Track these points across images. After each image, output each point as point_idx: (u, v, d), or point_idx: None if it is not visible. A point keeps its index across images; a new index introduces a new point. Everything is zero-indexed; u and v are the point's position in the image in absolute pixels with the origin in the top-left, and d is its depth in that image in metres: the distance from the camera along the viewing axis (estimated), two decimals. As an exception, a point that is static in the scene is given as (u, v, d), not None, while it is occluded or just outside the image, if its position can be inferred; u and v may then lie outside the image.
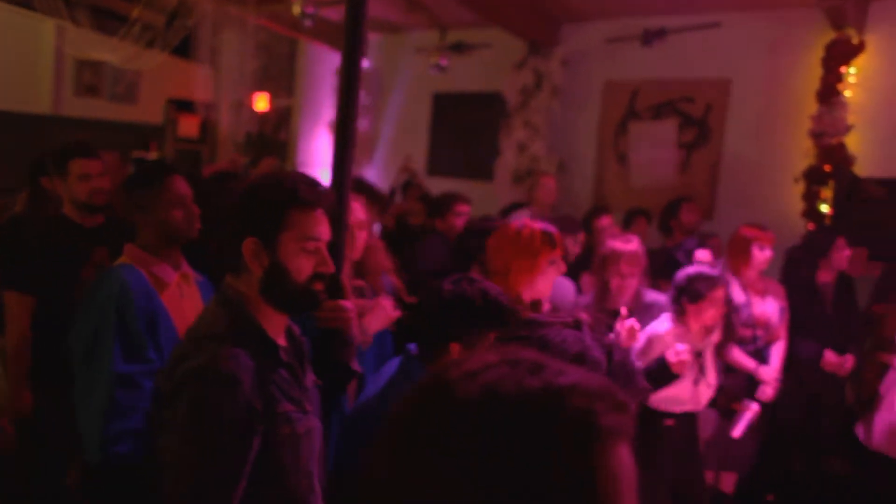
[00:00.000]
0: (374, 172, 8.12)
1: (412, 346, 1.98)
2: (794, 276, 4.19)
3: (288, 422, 1.44)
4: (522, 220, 2.56)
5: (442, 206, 4.08)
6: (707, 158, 5.87)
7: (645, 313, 3.33)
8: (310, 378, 1.67)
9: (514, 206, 4.96)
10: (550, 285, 2.47)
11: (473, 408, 0.61)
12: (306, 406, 1.50)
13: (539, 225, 2.51)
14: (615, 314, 2.72)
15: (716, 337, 3.36)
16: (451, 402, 0.62)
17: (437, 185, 6.82)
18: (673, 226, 4.82)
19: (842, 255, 4.12)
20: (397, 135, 7.89)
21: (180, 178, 2.29)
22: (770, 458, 4.21)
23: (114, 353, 2.02)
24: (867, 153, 5.08)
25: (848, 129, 5.06)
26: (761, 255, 3.76)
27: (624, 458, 0.64)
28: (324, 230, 1.55)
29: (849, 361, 3.91)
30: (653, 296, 3.46)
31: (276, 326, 1.55)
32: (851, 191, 4.92)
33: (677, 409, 3.21)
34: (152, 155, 6.58)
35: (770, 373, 3.78)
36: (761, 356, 3.85)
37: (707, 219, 5.67)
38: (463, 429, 0.60)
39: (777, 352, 3.88)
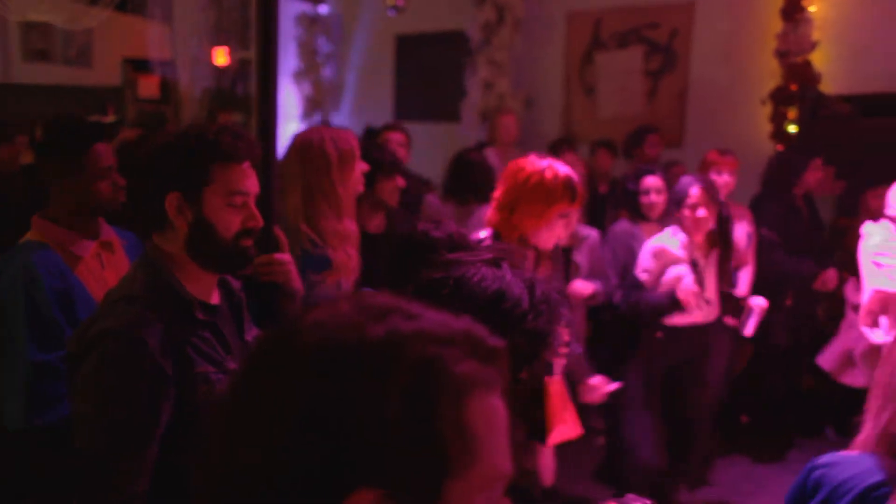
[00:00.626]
0: (342, 119, 7.98)
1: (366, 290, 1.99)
2: (774, 197, 4.17)
3: (206, 382, 1.43)
4: (550, 161, 2.31)
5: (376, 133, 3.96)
6: (674, 85, 5.79)
7: (580, 246, 3.38)
8: (251, 333, 1.65)
9: (480, 146, 4.88)
10: (554, 239, 2.32)
11: (309, 357, 0.57)
12: (228, 365, 1.47)
13: (565, 171, 2.28)
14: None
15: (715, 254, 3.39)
16: (290, 350, 0.59)
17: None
18: (636, 155, 4.78)
19: (816, 175, 4.12)
20: (362, 80, 7.73)
21: (105, 145, 2.18)
22: (745, 380, 4.28)
23: (27, 343, 1.91)
24: (833, 70, 5.02)
25: (813, 45, 4.98)
26: (719, 179, 3.75)
27: (484, 410, 0.59)
28: (251, 184, 1.51)
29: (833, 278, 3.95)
30: (585, 230, 3.51)
31: (206, 285, 1.53)
32: (817, 109, 4.87)
33: (671, 321, 3.28)
34: (110, 118, 6.41)
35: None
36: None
37: (676, 147, 5.63)
38: (296, 378, 0.57)
39: (745, 277, 3.89)
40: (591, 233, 3.61)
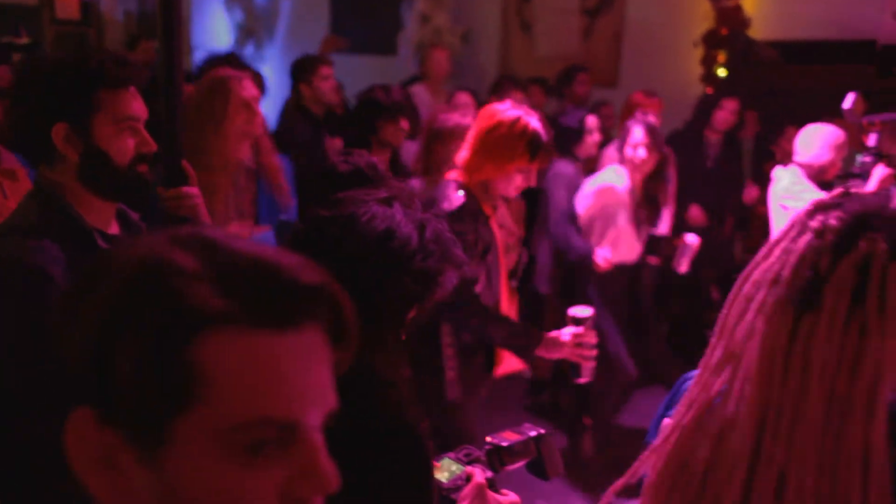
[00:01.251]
0: (276, 50, 7.73)
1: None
2: (682, 136, 4.28)
3: None
4: (522, 113, 2.24)
5: (305, 69, 3.87)
6: (610, 26, 5.78)
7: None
8: None
9: (412, 80, 4.80)
10: (512, 190, 2.29)
11: (85, 273, 0.57)
12: None
13: (534, 127, 2.21)
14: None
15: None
16: (95, 272, 0.57)
17: (340, 63, 6.55)
18: (566, 94, 4.79)
19: (726, 116, 4.22)
20: (297, 9, 7.46)
21: (2, 67, 2.09)
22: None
23: None
24: (763, 15, 5.09)
25: (744, -10, 5.03)
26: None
27: (230, 349, 0.53)
28: (139, 108, 1.48)
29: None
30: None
31: (103, 215, 1.49)
32: (746, 54, 4.95)
33: (615, 258, 3.38)
34: (23, 40, 6.04)
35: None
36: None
37: (611, 86, 5.66)
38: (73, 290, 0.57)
39: (667, 216, 3.99)
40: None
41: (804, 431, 0.85)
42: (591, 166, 3.83)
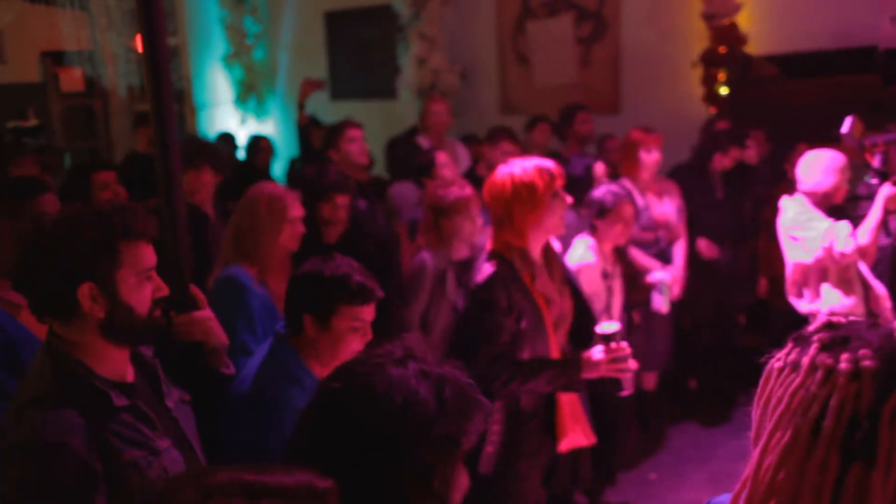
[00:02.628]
0: (278, 101, 7.80)
1: (279, 325, 2.01)
2: (688, 170, 4.24)
3: (136, 469, 1.40)
4: (514, 161, 2.38)
5: (333, 133, 3.90)
6: (606, 51, 5.77)
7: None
8: (174, 396, 1.63)
9: (410, 132, 4.81)
10: (561, 221, 2.36)
11: None
12: (158, 444, 1.45)
13: (531, 162, 2.35)
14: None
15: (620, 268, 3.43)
16: None
17: (342, 110, 6.60)
18: (568, 134, 4.75)
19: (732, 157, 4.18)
20: (295, 60, 7.54)
21: (51, 196, 2.14)
22: (686, 348, 4.39)
23: None
24: (759, 30, 5.05)
25: (738, 7, 5.00)
26: (648, 157, 3.77)
27: None
28: (153, 256, 1.50)
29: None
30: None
31: (118, 362, 1.49)
32: (744, 71, 4.92)
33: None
34: (30, 122, 6.15)
35: (675, 272, 3.88)
36: (665, 257, 3.92)
37: (613, 113, 5.65)
38: None
39: (679, 251, 3.96)
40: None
41: None
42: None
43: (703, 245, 4.09)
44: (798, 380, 0.91)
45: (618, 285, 3.39)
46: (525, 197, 2.28)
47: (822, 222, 3.11)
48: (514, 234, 2.33)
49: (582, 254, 3.30)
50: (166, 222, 1.92)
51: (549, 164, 2.36)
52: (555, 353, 2.42)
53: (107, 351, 1.45)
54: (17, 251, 1.45)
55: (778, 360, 0.98)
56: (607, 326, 2.17)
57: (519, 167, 2.33)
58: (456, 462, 1.12)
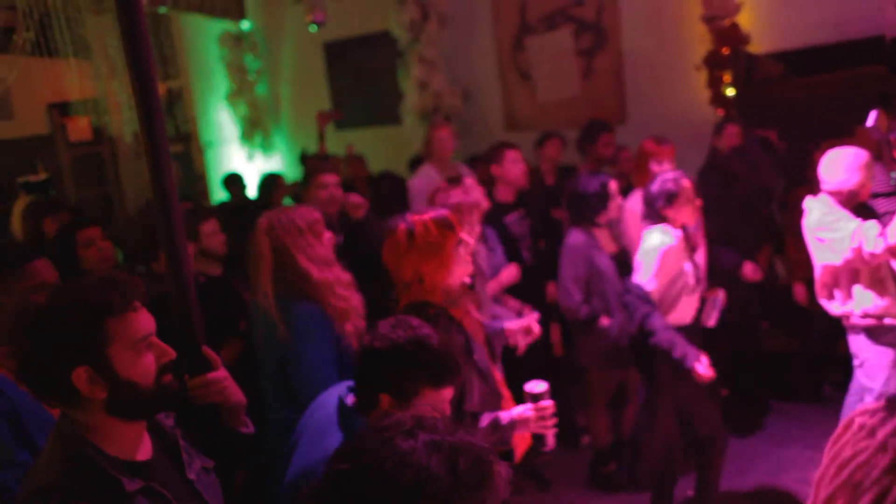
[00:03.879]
0: (283, 135, 7.82)
1: (348, 398, 1.86)
2: (707, 175, 4.16)
3: None
4: (405, 218, 2.35)
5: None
6: (608, 62, 5.73)
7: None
8: (196, 466, 1.58)
9: (416, 161, 4.79)
10: (469, 266, 2.35)
11: None
12: None
13: (426, 216, 2.33)
14: None
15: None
16: None
17: (348, 139, 6.60)
18: (589, 151, 4.67)
19: (731, 141, 4.12)
20: (297, 93, 7.56)
21: (44, 262, 2.10)
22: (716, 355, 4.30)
23: None
24: (760, 29, 4.99)
25: (737, 7, 4.95)
26: (659, 169, 3.71)
27: None
28: (148, 322, 1.44)
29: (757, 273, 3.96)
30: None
31: (133, 439, 1.45)
32: (750, 72, 4.86)
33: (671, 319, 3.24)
34: (41, 175, 6.20)
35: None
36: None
37: (619, 123, 5.59)
38: None
39: (700, 259, 3.88)
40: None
41: None
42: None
43: (749, 269, 3.96)
44: (865, 455, 0.87)
45: (700, 257, 3.41)
46: (430, 253, 2.27)
47: (850, 222, 3.02)
48: (429, 294, 2.29)
49: (662, 238, 3.23)
50: (173, 281, 1.87)
51: (445, 213, 2.34)
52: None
53: (120, 429, 1.40)
54: (10, 340, 1.39)
55: (864, 413, 0.94)
56: (536, 386, 2.23)
57: (417, 223, 2.30)
58: None
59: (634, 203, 3.85)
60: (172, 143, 7.23)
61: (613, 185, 3.52)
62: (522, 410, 2.21)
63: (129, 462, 1.41)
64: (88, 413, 1.38)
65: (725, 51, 5.01)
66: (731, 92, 5.08)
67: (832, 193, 3.15)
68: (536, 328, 2.69)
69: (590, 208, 3.45)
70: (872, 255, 2.91)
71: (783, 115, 4.52)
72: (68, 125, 7.85)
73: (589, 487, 3.83)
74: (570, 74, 5.86)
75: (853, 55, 4.55)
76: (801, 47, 4.81)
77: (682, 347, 3.13)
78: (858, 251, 2.94)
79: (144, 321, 1.42)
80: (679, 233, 3.29)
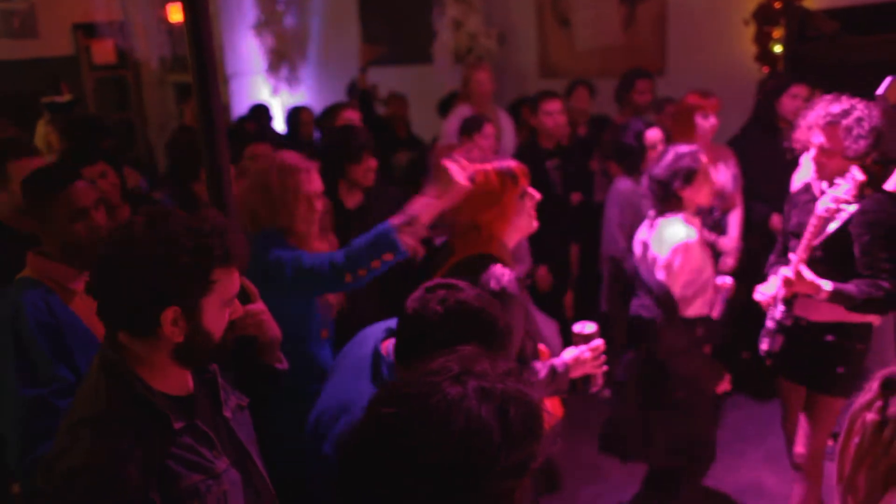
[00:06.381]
0: (311, 70, 7.67)
1: (383, 345, 1.75)
2: (756, 135, 4.00)
3: (195, 495, 1.31)
4: (472, 167, 2.22)
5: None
6: (652, 10, 5.50)
7: None
8: (232, 403, 1.55)
9: (452, 97, 4.65)
10: (534, 221, 2.24)
11: None
12: (217, 467, 1.36)
13: (491, 166, 2.21)
14: None
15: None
16: None
17: (377, 75, 6.46)
18: (626, 100, 4.51)
19: (795, 103, 3.91)
20: (327, 27, 7.38)
21: (83, 183, 2.06)
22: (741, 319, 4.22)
23: (16, 378, 1.90)
24: (818, -17, 4.75)
25: (794, -41, 4.70)
26: (705, 123, 3.57)
27: None
28: (238, 281, 1.42)
29: None
30: None
31: (180, 379, 1.42)
32: (803, 28, 4.64)
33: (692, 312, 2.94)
34: (65, 97, 6.10)
35: (730, 242, 3.71)
36: (719, 227, 3.75)
37: (658, 75, 5.40)
38: None
39: (735, 220, 3.78)
40: None
41: None
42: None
43: (777, 221, 3.71)
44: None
45: (735, 217, 3.37)
46: (489, 202, 2.17)
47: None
48: (484, 244, 2.18)
49: (687, 231, 2.84)
50: (214, 204, 1.83)
51: (511, 164, 2.22)
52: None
53: (172, 369, 1.39)
54: (98, 255, 1.33)
55: (867, 407, 0.94)
56: (586, 327, 2.18)
57: (480, 173, 2.20)
58: (524, 484, 1.01)
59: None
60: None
61: (653, 135, 3.39)
62: (578, 353, 2.16)
63: (176, 397, 1.39)
64: (152, 349, 1.35)
65: (777, 4, 4.78)
66: (778, 49, 4.86)
67: None
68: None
69: (632, 157, 3.34)
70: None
71: (834, 76, 4.31)
72: (93, 47, 7.74)
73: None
74: (611, 22, 5.64)
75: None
76: (858, 4, 4.58)
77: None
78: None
79: (237, 279, 1.41)
80: (698, 222, 2.96)
